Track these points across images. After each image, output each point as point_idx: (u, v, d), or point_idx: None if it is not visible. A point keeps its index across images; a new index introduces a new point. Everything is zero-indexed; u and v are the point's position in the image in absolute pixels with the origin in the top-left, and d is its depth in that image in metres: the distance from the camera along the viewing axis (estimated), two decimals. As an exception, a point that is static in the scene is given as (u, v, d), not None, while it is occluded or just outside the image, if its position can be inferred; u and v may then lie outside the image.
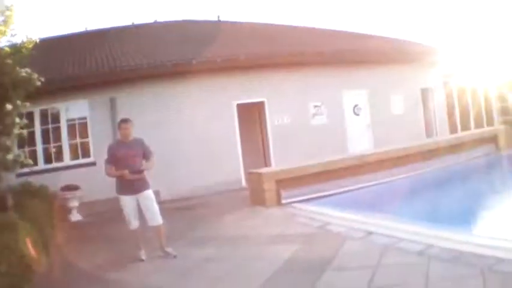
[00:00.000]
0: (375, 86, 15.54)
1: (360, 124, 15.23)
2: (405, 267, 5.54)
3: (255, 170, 10.77)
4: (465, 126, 19.25)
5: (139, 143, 6.70)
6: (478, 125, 19.84)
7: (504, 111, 22.34)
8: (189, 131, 12.21)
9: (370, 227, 7.28)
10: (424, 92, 17.61)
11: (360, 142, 14.75)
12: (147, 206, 6.54)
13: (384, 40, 19.00)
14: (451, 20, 52.08)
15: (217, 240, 7.42)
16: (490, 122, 20.59)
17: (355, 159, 11.65)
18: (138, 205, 6.56)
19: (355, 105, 15.24)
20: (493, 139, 16.67)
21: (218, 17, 18.34)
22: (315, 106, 14.24)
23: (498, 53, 22.12)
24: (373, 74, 15.61)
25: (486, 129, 18.53)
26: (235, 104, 12.80)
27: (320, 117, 14.32)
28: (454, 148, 14.23)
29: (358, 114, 15.28)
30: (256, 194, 10.20)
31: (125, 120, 6.71)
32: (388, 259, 5.75)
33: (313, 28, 19.09)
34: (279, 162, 12.53)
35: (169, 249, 6.66)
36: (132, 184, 6.45)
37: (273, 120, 13.50)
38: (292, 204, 9.74)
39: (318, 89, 14.30)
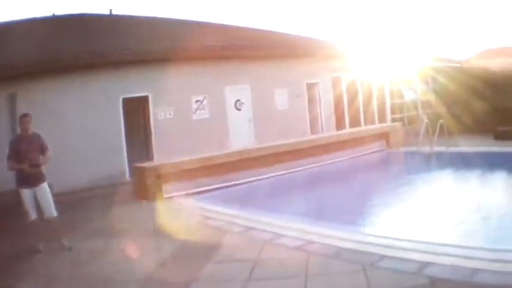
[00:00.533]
0: (258, 81, 18.66)
1: (242, 119, 18.24)
2: (284, 261, 6.72)
3: (138, 164, 12.81)
4: (356, 123, 22.14)
5: (37, 137, 8.23)
6: (370, 121, 22.81)
7: (399, 108, 25.06)
8: (80, 125, 14.76)
9: (250, 223, 8.81)
10: (311, 87, 20.62)
11: (242, 137, 17.72)
12: (43, 199, 8.06)
13: (269, 34, 22.00)
14: (344, 15, 56.24)
15: (105, 233, 9.02)
16: (383, 119, 23.52)
17: (236, 154, 13.70)
18: (36, 197, 8.03)
19: (237, 100, 18.21)
20: (384, 136, 18.95)
21: (110, 11, 20.66)
22: (197, 101, 17.12)
23: (395, 48, 25.05)
24: (257, 69, 18.68)
25: (377, 126, 21.05)
26: (121, 99, 15.52)
27: (202, 112, 17.22)
28: (341, 144, 16.65)
29: (239, 109, 18.22)
30: (140, 188, 12.17)
31: (24, 115, 8.23)
32: (267, 253, 7.04)
33: (202, 22, 21.85)
34: (162, 156, 14.74)
35: (64, 241, 8.14)
36: (30, 177, 7.93)
37: (157, 114, 16.22)
38: (175, 199, 11.65)
39: (201, 83, 17.22)
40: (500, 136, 19.54)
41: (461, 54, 43.73)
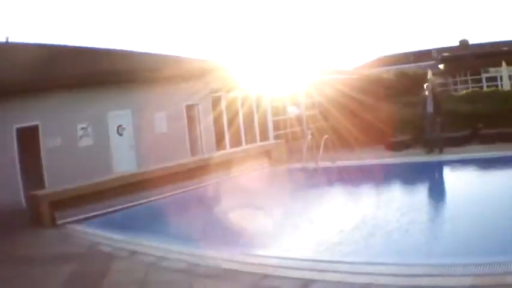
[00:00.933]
0: (139, 105, 21.96)
1: (124, 144, 21.49)
2: (170, 283, 7.84)
3: (31, 192, 14.88)
4: (237, 142, 25.43)
5: None
6: (252, 139, 26.04)
7: (283, 124, 28.08)
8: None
9: (135, 247, 10.23)
10: (190, 109, 24.16)
11: (124, 162, 20.83)
12: None
13: (149, 57, 24.88)
14: (222, 34, 60.08)
15: (3, 261, 10.29)
16: (265, 136, 26.74)
17: (121, 179, 16.05)
18: None
19: (119, 126, 21.48)
20: (266, 153, 21.55)
21: (7, 38, 23.06)
22: (82, 128, 20.25)
23: (278, 64, 28.27)
24: (137, 94, 21.90)
25: (259, 144, 24.08)
26: (15, 128, 17.97)
27: (86, 139, 20.07)
28: (222, 165, 18.96)
29: (121, 135, 21.50)
30: (34, 216, 14.13)
31: None
32: (153, 276, 8.24)
33: (86, 48, 23.87)
34: (54, 184, 17.14)
35: None
36: None
37: (46, 143, 18.78)
38: (66, 225, 13.49)
39: (86, 110, 20.22)
40: (393, 147, 21.95)
41: (350, 64, 47.28)
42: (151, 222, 14.07)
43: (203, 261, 8.71)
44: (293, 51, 49.24)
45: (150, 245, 10.38)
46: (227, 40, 60.52)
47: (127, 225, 13.33)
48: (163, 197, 16.35)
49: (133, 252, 9.91)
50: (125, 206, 15.26)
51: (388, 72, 34.58)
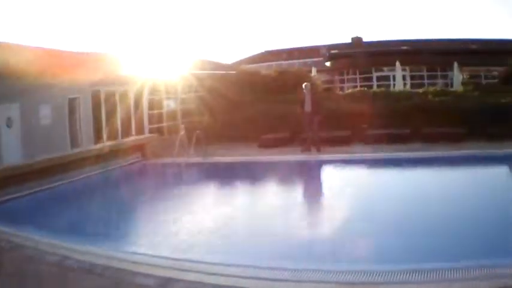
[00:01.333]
0: (27, 98, 23.90)
1: (12, 135, 23.70)
2: (45, 277, 8.33)
3: None
4: (114, 135, 26.73)
5: None
6: (128, 133, 27.73)
7: (159, 118, 29.75)
8: None
9: (15, 238, 10.90)
10: (72, 102, 25.64)
11: (12, 153, 21.97)
12: None
13: (34, 51, 25.33)
14: (102, 27, 61.81)
15: None
16: (141, 130, 28.29)
17: (8, 170, 17.36)
18: None
19: (8, 118, 23.74)
20: (139, 148, 23.62)
21: None
22: None
23: (156, 60, 29.57)
24: (26, 87, 23.43)
25: (132, 138, 25.94)
26: None
27: None
28: (96, 158, 20.56)
29: (9, 126, 23.69)
30: None
31: None
32: (29, 269, 8.80)
33: None
34: None
35: None
36: None
37: None
38: None
39: None
40: (264, 144, 23.83)
41: (231, 59, 49.43)
42: (25, 214, 14.74)
43: (75, 255, 9.24)
44: (172, 45, 51.02)
45: (26, 237, 10.88)
46: (107, 34, 61.99)
47: (13, 216, 13.98)
48: (43, 190, 17.32)
49: (10, 244, 10.59)
50: (13, 196, 16.16)
51: (268, 68, 36.51)
